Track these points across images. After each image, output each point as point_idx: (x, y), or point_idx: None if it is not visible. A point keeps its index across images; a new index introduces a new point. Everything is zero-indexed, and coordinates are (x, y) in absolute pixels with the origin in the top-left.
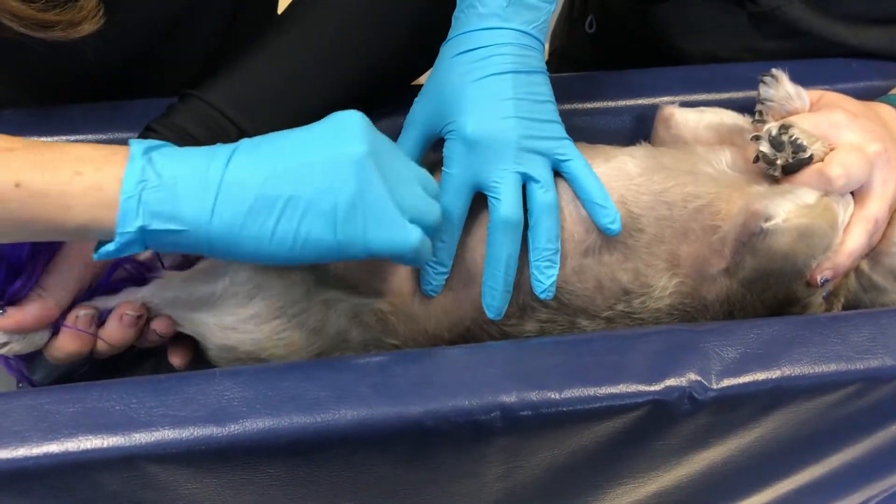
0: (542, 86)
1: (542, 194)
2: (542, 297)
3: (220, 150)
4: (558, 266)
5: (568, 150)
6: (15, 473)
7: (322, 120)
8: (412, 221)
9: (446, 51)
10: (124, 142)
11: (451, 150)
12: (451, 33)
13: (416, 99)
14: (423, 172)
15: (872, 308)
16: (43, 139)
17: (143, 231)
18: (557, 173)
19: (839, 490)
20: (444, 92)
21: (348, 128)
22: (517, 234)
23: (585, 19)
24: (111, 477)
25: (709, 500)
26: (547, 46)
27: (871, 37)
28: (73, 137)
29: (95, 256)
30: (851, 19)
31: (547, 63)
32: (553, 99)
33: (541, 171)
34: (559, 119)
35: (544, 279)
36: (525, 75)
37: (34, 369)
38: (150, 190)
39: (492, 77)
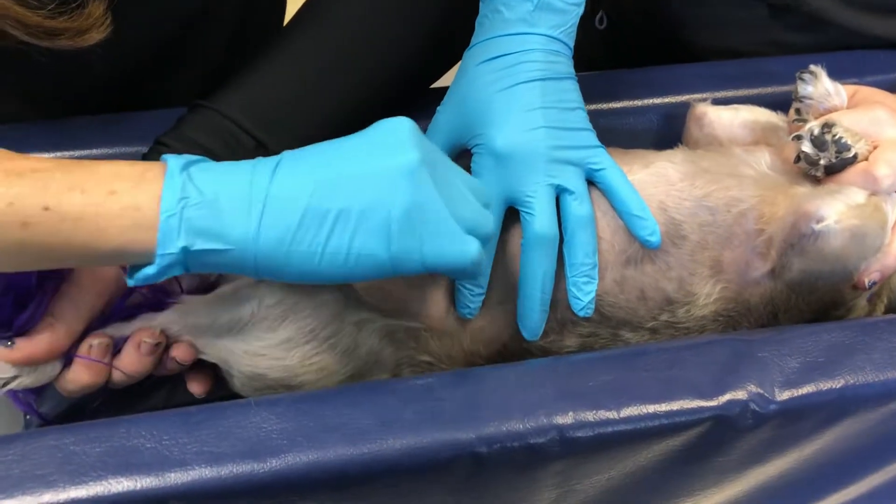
0: (571, 92)
1: (577, 207)
2: (581, 314)
3: (263, 164)
4: (597, 281)
5: (601, 158)
6: None
7: (370, 127)
8: (468, 232)
9: (471, 58)
10: (132, 156)
11: (480, 165)
12: (474, 38)
13: (439, 107)
14: (475, 181)
15: None
16: (46, 155)
17: (185, 252)
18: (591, 183)
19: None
20: (470, 102)
21: (398, 135)
22: (553, 251)
23: (596, 15)
24: None
25: None
26: None
27: (893, 26)
28: (77, 153)
29: (131, 282)
30: (878, 8)
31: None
32: (583, 105)
33: (574, 182)
34: (590, 126)
35: (583, 296)
36: (554, 82)
37: (42, 401)
38: (192, 207)
39: (520, 86)
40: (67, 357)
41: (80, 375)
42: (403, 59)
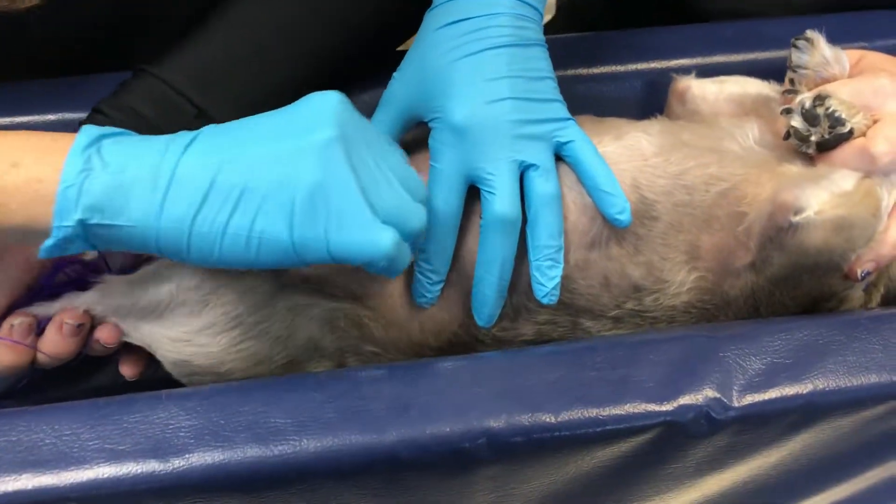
0: (540, 60)
1: (542, 184)
2: (544, 301)
3: (179, 138)
4: (562, 265)
5: (571, 131)
6: None
7: (297, 101)
8: (387, 224)
9: (431, 20)
10: (76, 123)
11: (439, 141)
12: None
13: (395, 73)
14: (411, 171)
15: None
16: None
17: (83, 226)
18: (559, 158)
19: None
20: (428, 70)
21: (320, 111)
22: (514, 234)
23: None
24: None
25: None
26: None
27: None
28: (18, 120)
29: (39, 254)
30: None
31: (551, 22)
32: (553, 75)
33: (540, 157)
34: (560, 97)
35: (546, 281)
36: (521, 49)
37: None
38: (94, 180)
39: (484, 53)
40: None
41: (1, 356)
42: (361, 21)
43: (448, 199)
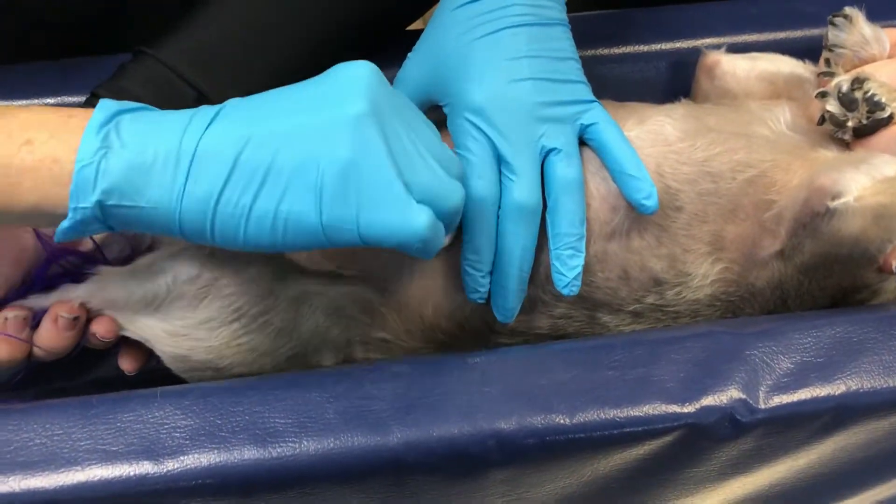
0: (562, 41)
1: (564, 168)
2: (565, 292)
3: (202, 113)
4: (584, 255)
5: (595, 113)
6: None
7: (325, 73)
8: (422, 202)
9: (448, 0)
10: (75, 106)
11: (460, 126)
12: None
13: (410, 54)
14: (446, 147)
15: None
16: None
17: (101, 207)
18: (582, 142)
19: None
20: (445, 52)
21: (351, 82)
22: (534, 222)
23: None
24: None
25: None
26: None
27: None
28: (15, 104)
29: (56, 237)
30: None
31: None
32: (576, 55)
33: (562, 140)
34: (584, 79)
35: (567, 271)
36: (542, 28)
37: None
38: (112, 159)
39: (502, 32)
40: None
41: None
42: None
43: (487, 186)
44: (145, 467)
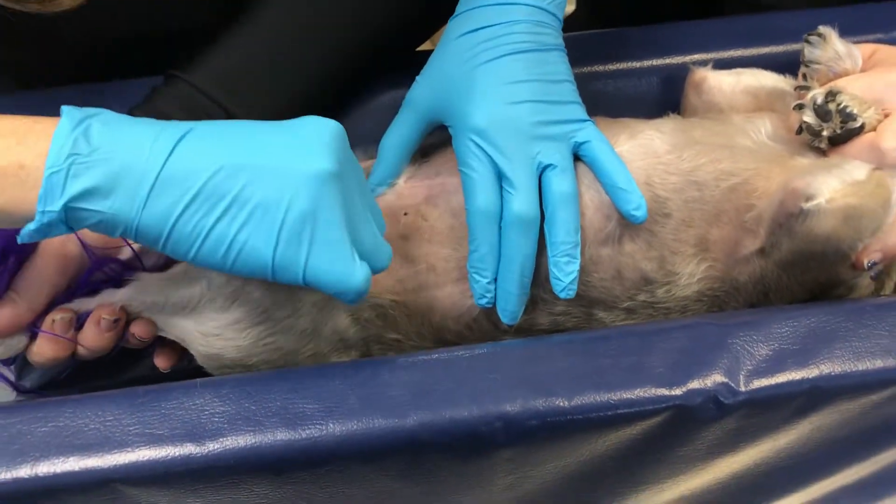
0: (558, 64)
1: (560, 182)
2: (562, 296)
3: (170, 130)
4: (579, 261)
5: (588, 132)
6: None
7: (296, 120)
8: (363, 258)
9: (453, 28)
10: None
11: (464, 145)
12: (459, 7)
13: (418, 77)
14: (378, 208)
15: None
16: None
17: (66, 210)
18: (578, 158)
19: (886, 489)
20: (450, 76)
21: (320, 138)
22: (533, 232)
23: None
24: (87, 501)
25: (741, 501)
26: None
27: None
28: None
29: (19, 239)
30: None
31: (573, 16)
32: (572, 78)
33: (558, 157)
34: (579, 99)
35: (563, 276)
36: (539, 54)
37: (25, 375)
38: (81, 165)
39: (502, 58)
40: (32, 331)
41: (44, 349)
42: (385, 22)
43: (490, 200)
44: (189, 448)
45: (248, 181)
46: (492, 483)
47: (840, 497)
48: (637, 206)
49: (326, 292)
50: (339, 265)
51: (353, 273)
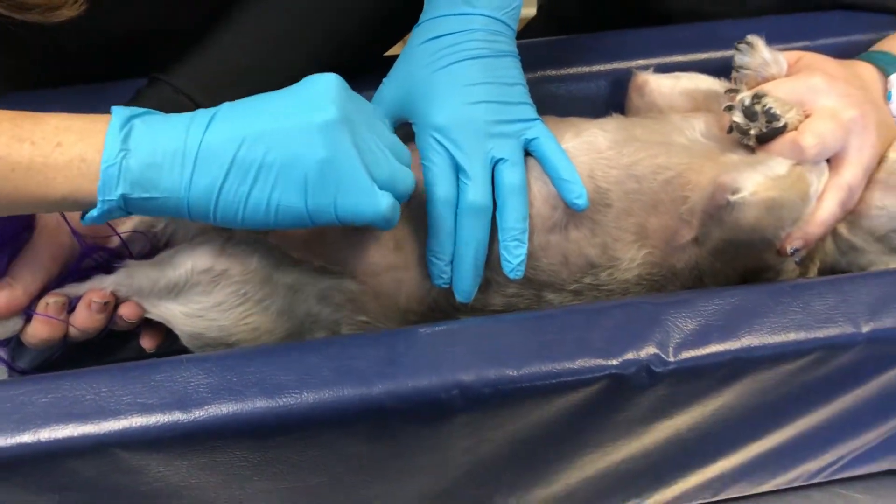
0: (511, 69)
1: (510, 175)
2: (511, 276)
3: (200, 116)
4: (526, 245)
5: (537, 130)
6: None
7: (299, 83)
8: (384, 188)
9: (416, 35)
10: None
11: (425, 141)
12: (422, 17)
13: (385, 79)
14: (396, 140)
15: (850, 270)
16: None
17: (124, 199)
18: (527, 153)
19: (807, 452)
20: (414, 79)
21: (323, 92)
22: (486, 218)
23: None
24: (84, 464)
25: (678, 463)
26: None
27: None
28: None
29: (83, 221)
30: None
31: (533, 21)
32: (524, 81)
33: (510, 152)
34: (530, 101)
35: (512, 258)
36: (494, 59)
37: (19, 356)
38: (131, 159)
39: (462, 63)
40: (27, 314)
41: (38, 330)
42: (353, 30)
43: (447, 190)
44: (176, 416)
45: (268, 147)
46: (451, 446)
47: (765, 461)
48: (579, 195)
49: (361, 224)
50: (364, 199)
51: (378, 203)
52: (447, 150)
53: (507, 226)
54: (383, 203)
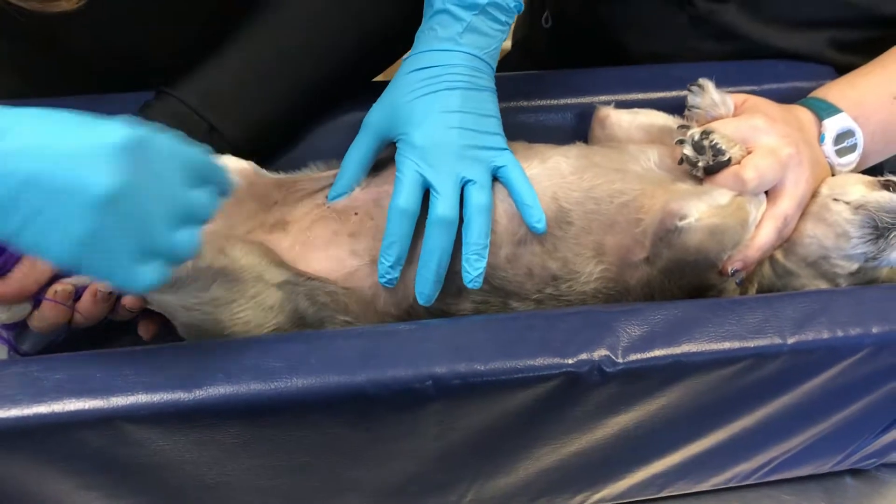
0: (488, 102)
1: (477, 195)
2: (469, 286)
3: None
4: (486, 260)
5: (505, 158)
6: (6, 432)
7: (94, 123)
8: (157, 256)
9: (405, 66)
10: None
11: (402, 155)
12: (412, 50)
13: (374, 104)
14: (193, 196)
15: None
16: None
17: None
18: (496, 178)
19: (740, 454)
20: (399, 103)
21: (106, 150)
22: (451, 231)
23: (542, 14)
24: (92, 435)
25: (626, 459)
26: (509, 39)
27: (796, 40)
28: None
29: None
30: (780, 23)
31: (509, 55)
32: (498, 115)
33: (479, 175)
34: (501, 132)
35: (472, 270)
36: (473, 92)
37: (23, 340)
38: None
39: (441, 92)
40: (37, 300)
41: (46, 314)
42: (351, 55)
43: (408, 200)
44: (178, 394)
45: (39, 197)
46: (423, 433)
47: (704, 461)
48: (538, 220)
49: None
50: (121, 273)
51: (135, 278)
52: (420, 168)
53: (470, 240)
54: (142, 278)
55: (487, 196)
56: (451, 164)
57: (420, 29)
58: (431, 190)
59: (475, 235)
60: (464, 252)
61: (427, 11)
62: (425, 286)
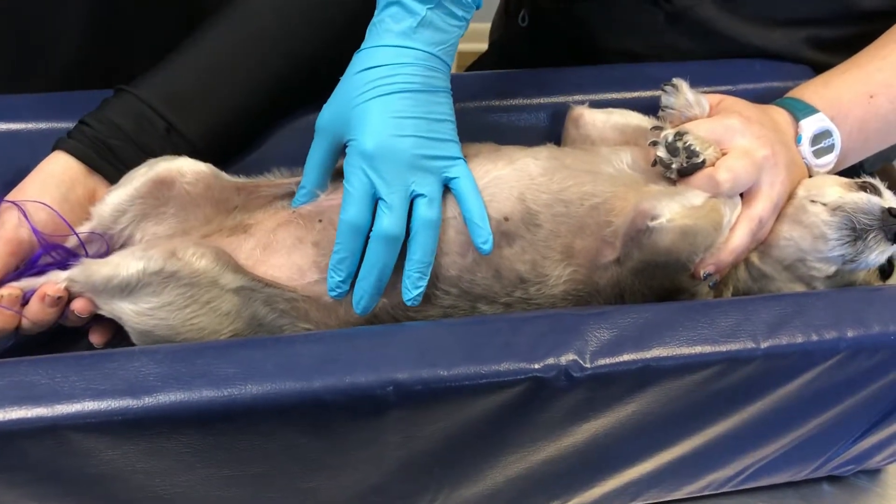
0: (442, 105)
1: (426, 210)
2: (409, 303)
3: None
4: (428, 278)
5: (458, 169)
6: None
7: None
8: None
9: (356, 62)
10: (64, 132)
11: (351, 164)
12: (363, 45)
13: (325, 105)
14: None
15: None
16: None
17: None
18: (447, 188)
19: (715, 461)
20: (349, 106)
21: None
22: (396, 246)
23: (519, 13)
24: (36, 445)
25: (597, 467)
26: (485, 41)
27: (773, 39)
28: (14, 127)
29: None
30: (757, 21)
31: (485, 55)
32: (453, 118)
33: (429, 188)
34: (456, 138)
35: (413, 288)
36: (427, 94)
37: None
38: None
39: (394, 95)
40: None
41: None
42: (315, 53)
43: (357, 215)
44: (127, 402)
45: None
46: (385, 442)
47: (677, 468)
48: (485, 240)
49: None
50: None
51: None
52: (369, 178)
53: (414, 258)
54: None
55: (437, 211)
56: (401, 175)
57: (371, 22)
58: (380, 201)
59: (419, 253)
60: (406, 268)
61: (379, 2)
62: (363, 300)
